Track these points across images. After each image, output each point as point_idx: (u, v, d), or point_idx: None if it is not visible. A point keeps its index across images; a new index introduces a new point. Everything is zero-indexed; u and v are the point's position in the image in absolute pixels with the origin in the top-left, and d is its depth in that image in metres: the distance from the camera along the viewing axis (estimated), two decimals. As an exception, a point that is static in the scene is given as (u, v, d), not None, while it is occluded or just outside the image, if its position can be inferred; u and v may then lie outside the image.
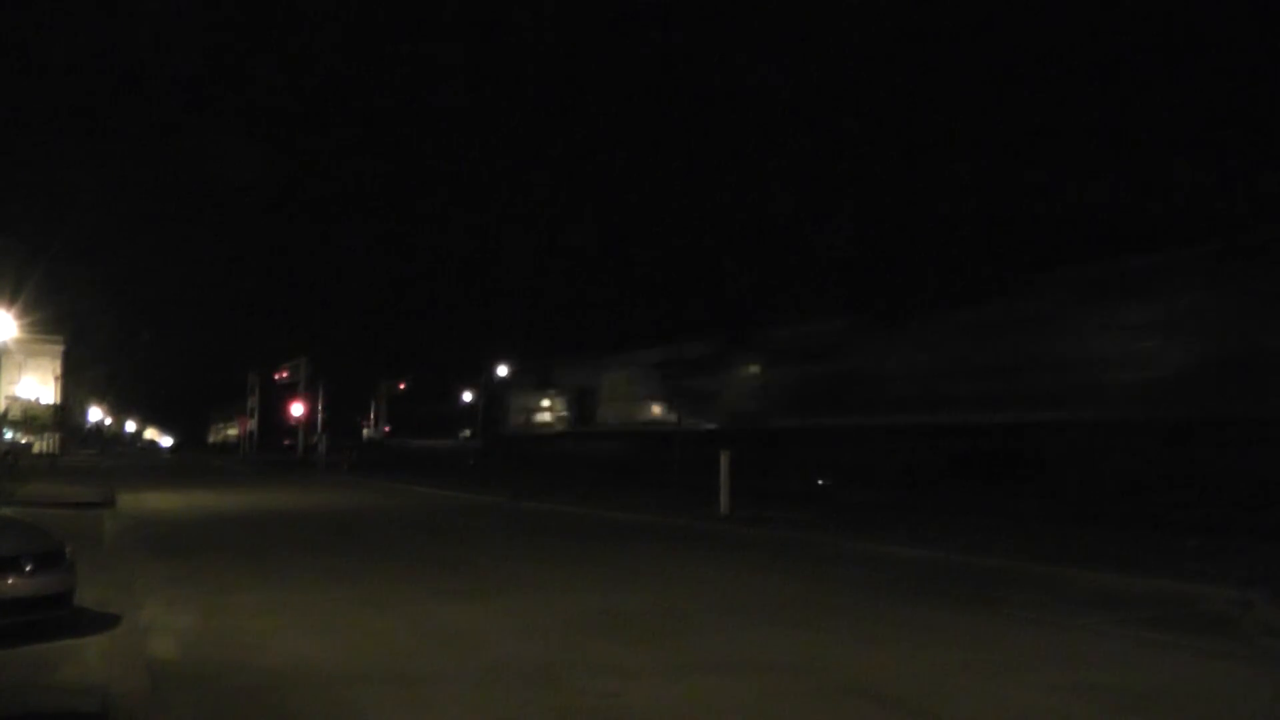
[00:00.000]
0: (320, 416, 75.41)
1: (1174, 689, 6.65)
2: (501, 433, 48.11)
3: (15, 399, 64.45)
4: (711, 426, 29.72)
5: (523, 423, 44.94)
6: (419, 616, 9.13)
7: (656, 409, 32.57)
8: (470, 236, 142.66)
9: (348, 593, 10.43)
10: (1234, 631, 8.27)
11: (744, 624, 8.78)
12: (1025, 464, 20.14)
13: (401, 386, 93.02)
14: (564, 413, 40.98)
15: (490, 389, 67.27)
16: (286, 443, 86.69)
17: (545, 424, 42.69)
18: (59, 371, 66.32)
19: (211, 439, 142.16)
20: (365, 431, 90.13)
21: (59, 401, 58.93)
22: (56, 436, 56.75)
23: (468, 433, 75.57)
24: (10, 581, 7.47)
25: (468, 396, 75.83)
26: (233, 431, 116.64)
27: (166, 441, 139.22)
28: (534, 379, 44.29)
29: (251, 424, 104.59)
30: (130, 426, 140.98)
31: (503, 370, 57.35)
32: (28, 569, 7.59)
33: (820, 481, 24.15)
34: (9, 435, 55.65)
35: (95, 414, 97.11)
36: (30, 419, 59.54)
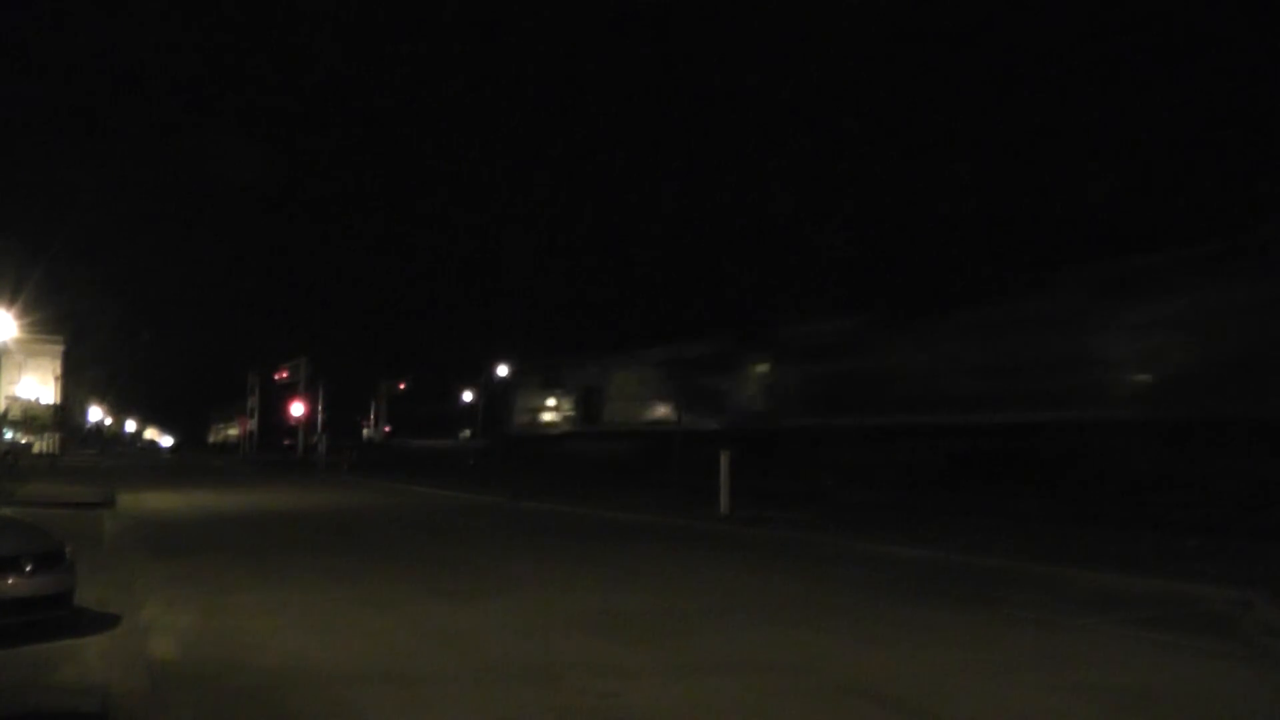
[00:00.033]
0: (320, 416, 75.46)
1: (1174, 689, 6.65)
2: (506, 433, 47.73)
3: (15, 399, 64.48)
4: (715, 426, 29.45)
5: (528, 422, 44.51)
6: (419, 616, 9.13)
7: (666, 409, 32.13)
8: (470, 236, 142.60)
9: (348, 593, 10.43)
10: (1234, 631, 8.26)
11: (744, 624, 8.78)
12: (1047, 465, 19.79)
13: (401, 386, 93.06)
14: (571, 412, 40.51)
15: (491, 389, 67.24)
16: (286, 443, 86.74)
17: (551, 424, 42.23)
18: (59, 371, 66.35)
19: (211, 439, 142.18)
20: (365, 431, 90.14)
21: (59, 401, 58.94)
22: (56, 436, 56.77)
23: (468, 433, 75.60)
24: (10, 581, 7.47)
25: (468, 396, 75.86)
26: (233, 431, 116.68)
27: (166, 441, 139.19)
28: (539, 378, 43.75)
29: (251, 424, 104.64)
30: (130, 426, 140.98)
31: (503, 370, 57.27)
32: (28, 569, 7.59)
33: (820, 482, 24.01)
34: (9, 435, 55.66)
35: (95, 414, 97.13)
36: (30, 419, 59.56)
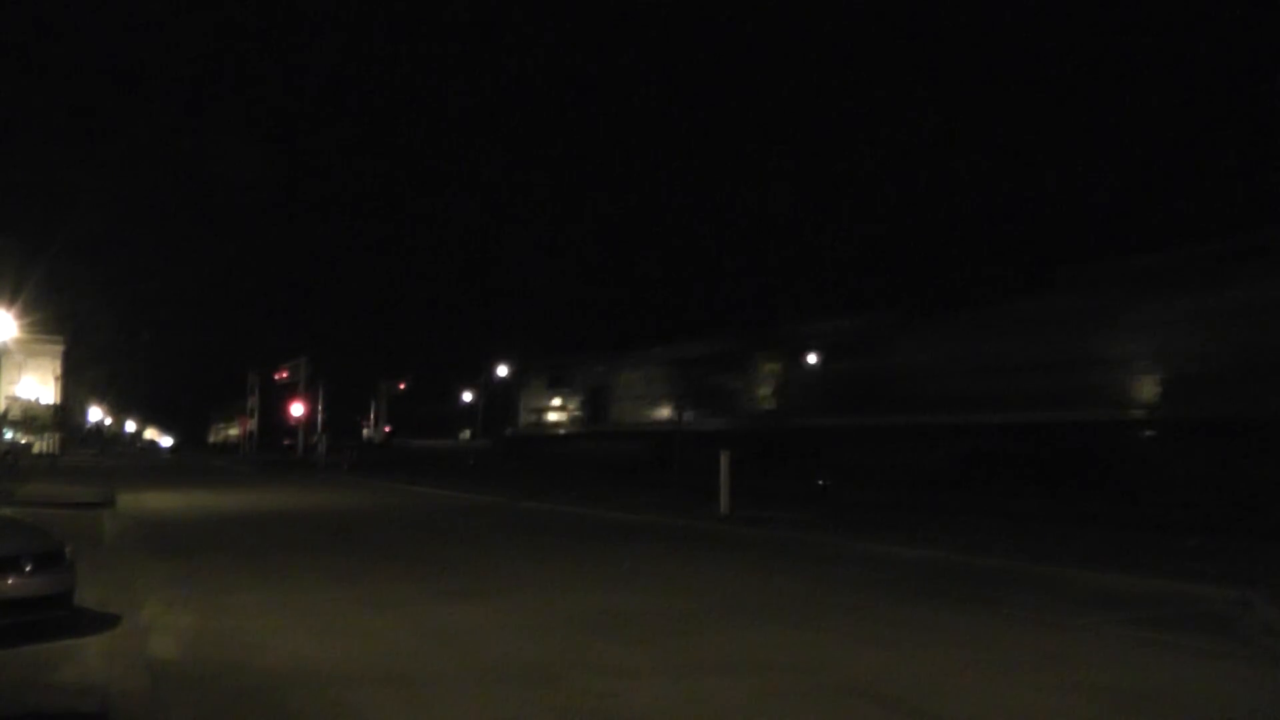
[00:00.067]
0: (320, 416, 75.43)
1: (1174, 689, 6.65)
2: (511, 433, 47.31)
3: (15, 399, 64.45)
4: (725, 426, 28.99)
5: (533, 423, 43.99)
6: (419, 616, 9.13)
7: (675, 408, 31.67)
8: (470, 236, 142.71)
9: (348, 593, 10.43)
10: (1234, 631, 8.26)
11: (744, 624, 8.78)
12: (1072, 465, 19.39)
13: (401, 386, 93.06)
14: (577, 412, 40.06)
15: (491, 389, 67.20)
16: (286, 443, 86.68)
17: (557, 424, 41.75)
18: (59, 371, 66.37)
19: (212, 439, 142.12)
20: (365, 431, 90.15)
21: (59, 401, 58.94)
22: (56, 436, 56.76)
23: (467, 433, 75.63)
24: (10, 581, 7.46)
25: (468, 396, 75.89)
26: (233, 431, 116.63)
27: (166, 441, 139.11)
28: (544, 378, 43.24)
29: (251, 424, 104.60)
30: (130, 426, 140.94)
31: (503, 370, 57.17)
32: (27, 569, 7.59)
33: (820, 482, 23.85)
34: (9, 435, 55.65)
35: (95, 414, 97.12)
36: (30, 419, 59.53)
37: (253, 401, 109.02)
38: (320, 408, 77.20)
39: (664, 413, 32.80)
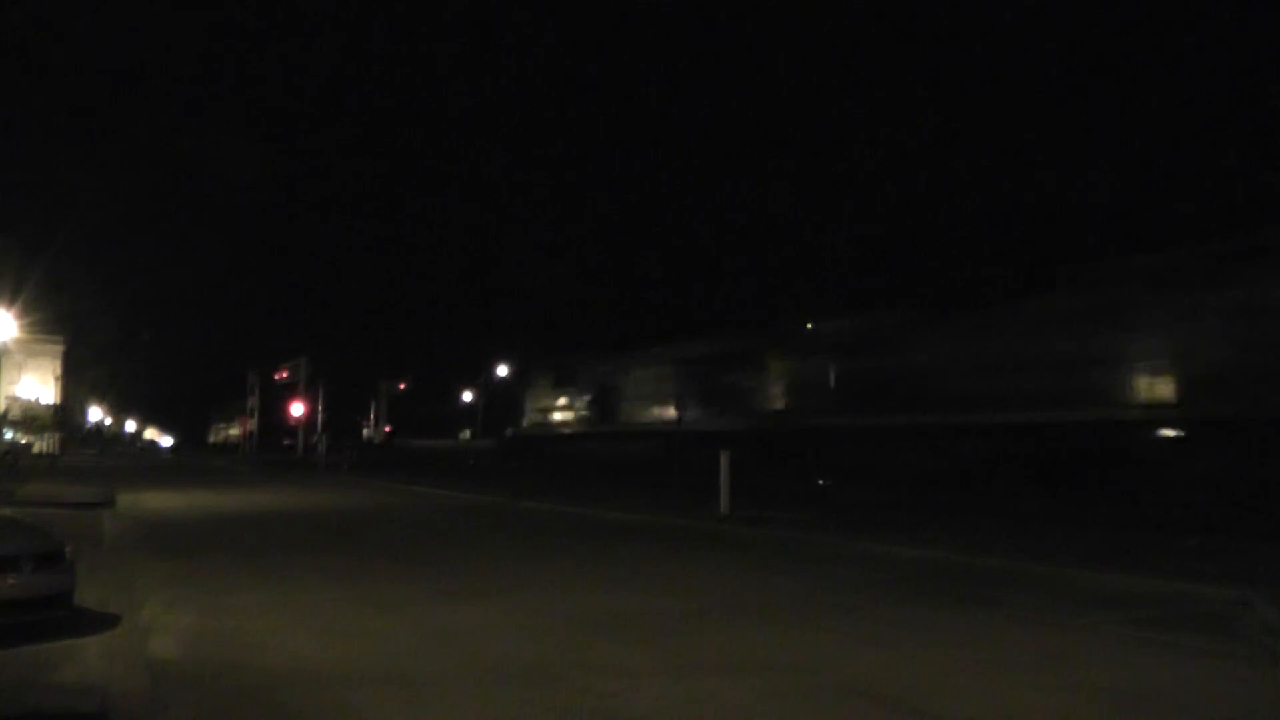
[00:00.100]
0: (320, 416, 75.48)
1: (1174, 689, 6.65)
2: (515, 433, 46.87)
3: (15, 399, 64.43)
4: (737, 426, 28.59)
5: (539, 422, 43.54)
6: (419, 617, 9.13)
7: (685, 408, 31.14)
8: (470, 236, 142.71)
9: (348, 593, 10.43)
10: (1234, 631, 8.26)
11: (744, 624, 8.77)
12: (1099, 464, 19.03)
13: (401, 386, 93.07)
14: (584, 412, 39.63)
15: (491, 389, 67.14)
16: (287, 442, 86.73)
17: (563, 423, 41.30)
18: (59, 371, 66.39)
19: (212, 439, 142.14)
20: (365, 431, 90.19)
21: (59, 401, 58.96)
22: (56, 436, 56.78)
23: (467, 433, 75.63)
24: (10, 582, 7.46)
25: (468, 396, 75.89)
26: (234, 431, 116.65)
27: (166, 441, 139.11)
28: (550, 377, 42.80)
29: (252, 424, 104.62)
30: (130, 426, 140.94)
31: (503, 370, 57.08)
32: (27, 569, 7.59)
33: (820, 482, 23.78)
34: (9, 435, 55.65)
35: (95, 414, 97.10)
36: (30, 419, 59.52)
37: (253, 401, 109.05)
38: (320, 408, 77.25)
39: (673, 412, 32.36)
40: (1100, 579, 11.16)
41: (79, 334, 72.36)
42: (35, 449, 58.33)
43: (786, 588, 11.06)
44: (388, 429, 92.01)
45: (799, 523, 17.71)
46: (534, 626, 8.60)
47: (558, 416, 41.98)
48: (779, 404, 28.63)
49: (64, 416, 61.35)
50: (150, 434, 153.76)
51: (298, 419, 75.38)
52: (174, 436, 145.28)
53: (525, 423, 45.22)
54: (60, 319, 64.02)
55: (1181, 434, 18.09)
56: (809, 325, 29.80)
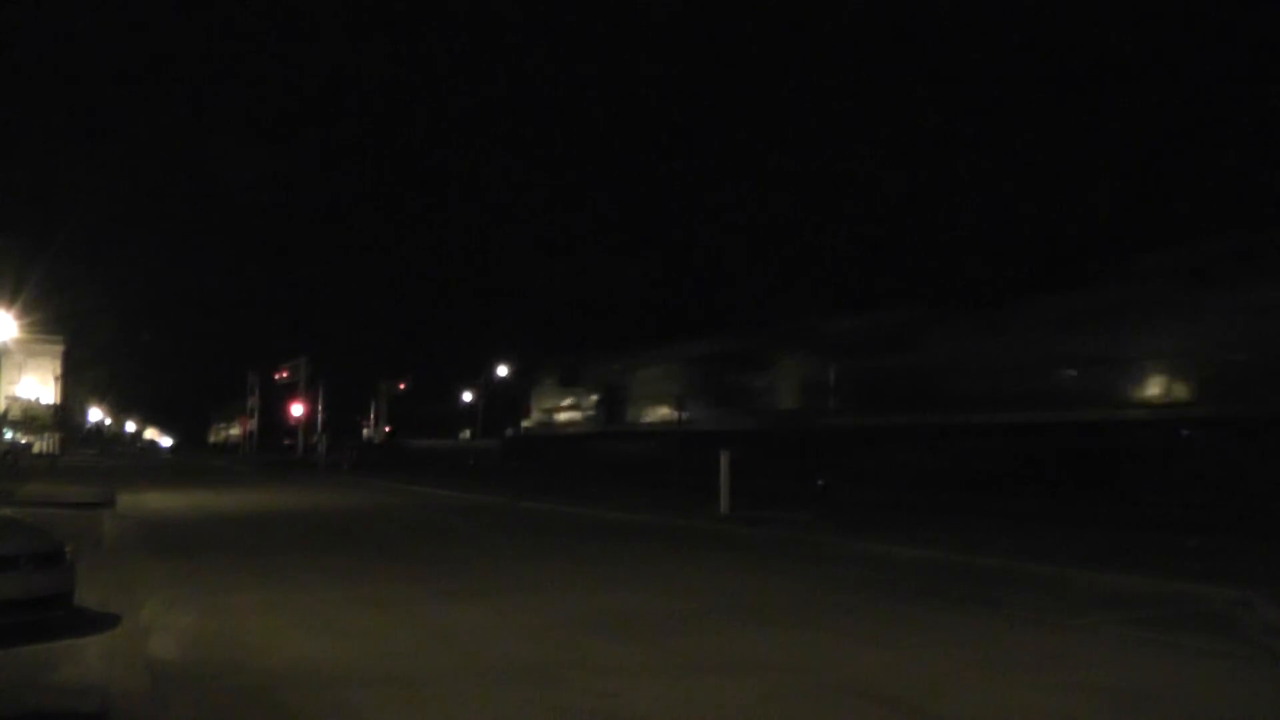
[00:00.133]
0: (320, 416, 75.51)
1: (1174, 689, 6.65)
2: (514, 433, 46.44)
3: (15, 399, 64.48)
4: (749, 425, 28.04)
5: (544, 422, 43.02)
6: (419, 617, 9.13)
7: (697, 407, 30.62)
8: (470, 236, 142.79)
9: (348, 593, 10.43)
10: (1234, 631, 8.26)
11: (744, 624, 8.77)
12: (1131, 466, 18.56)
13: (401, 386, 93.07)
14: (592, 411, 39.11)
15: (492, 388, 67.08)
16: (287, 442, 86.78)
17: (570, 423, 40.77)
18: (59, 371, 66.42)
19: (212, 439, 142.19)
20: (365, 431, 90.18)
21: (59, 401, 58.96)
22: (56, 436, 56.82)
23: (467, 433, 75.62)
24: (10, 582, 7.46)
25: (468, 396, 75.91)
26: (234, 431, 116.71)
27: (166, 442, 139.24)
28: (556, 377, 42.30)
29: (251, 424, 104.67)
30: (130, 426, 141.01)
31: (503, 370, 56.99)
32: (27, 569, 7.59)
33: (820, 482, 23.67)
34: (9, 435, 55.68)
35: (95, 414, 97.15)
36: (30, 419, 59.57)
37: (253, 401, 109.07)
38: (320, 408, 77.29)
39: (685, 412, 31.79)
40: (1100, 579, 11.16)
41: (79, 334, 72.47)
42: (35, 449, 58.40)
43: (786, 588, 11.06)
44: (388, 429, 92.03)
45: (799, 523, 17.71)
46: (534, 626, 8.60)
47: (565, 416, 41.40)
48: (790, 403, 28.22)
49: (64, 416, 61.38)
50: (150, 434, 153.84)
51: (298, 419, 75.44)
52: (174, 436, 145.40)
53: (531, 422, 44.73)
54: (60, 319, 64.09)
55: (1210, 433, 17.61)
56: (820, 323, 29.30)
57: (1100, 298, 20.03)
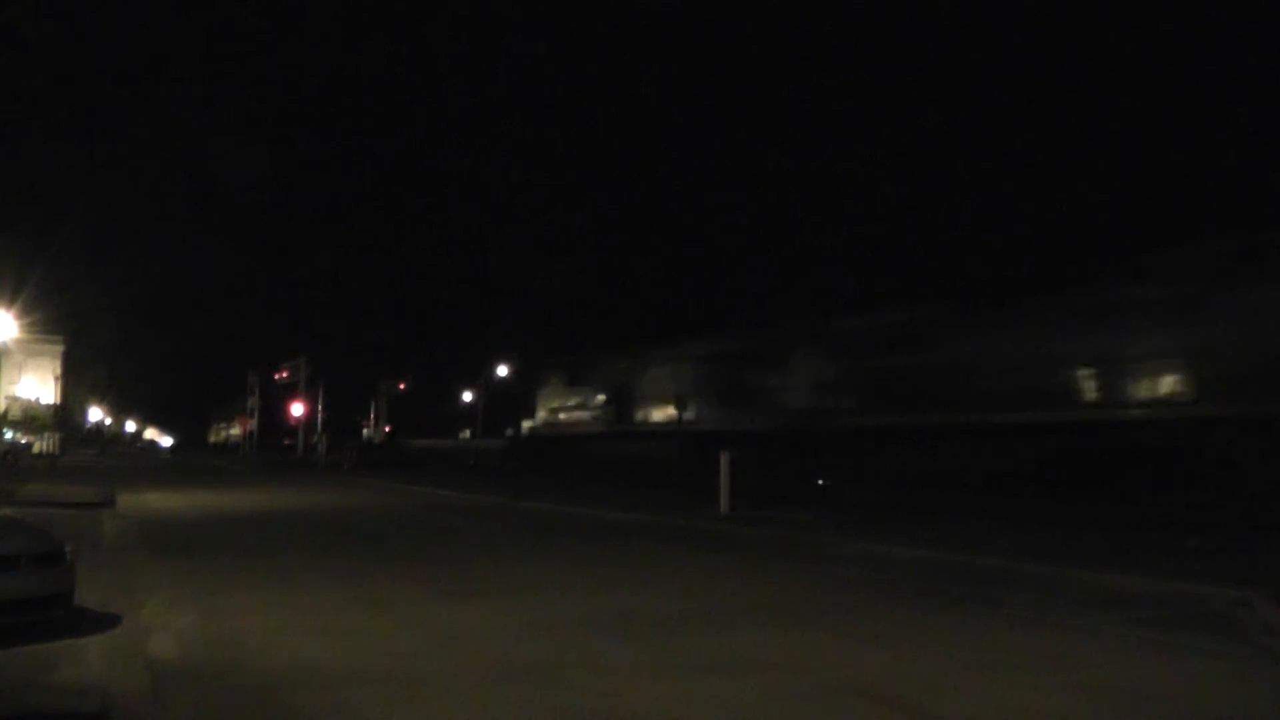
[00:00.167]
0: (320, 416, 75.51)
1: (1174, 689, 6.65)
2: (515, 432, 46.01)
3: (15, 399, 64.49)
4: (762, 425, 27.62)
5: (551, 422, 42.60)
6: (419, 617, 9.13)
7: (707, 406, 30.09)
8: (470, 236, 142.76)
9: (348, 593, 10.43)
10: (1234, 631, 8.25)
11: (744, 624, 8.77)
12: (1165, 465, 18.10)
13: (401, 386, 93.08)
14: (600, 411, 38.70)
15: (492, 388, 67.01)
16: (287, 442, 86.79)
17: (577, 422, 40.32)
18: (59, 371, 66.39)
19: (212, 439, 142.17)
20: (365, 431, 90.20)
21: (59, 401, 58.94)
22: (56, 436, 56.79)
23: (467, 433, 75.58)
24: (10, 582, 7.46)
25: (468, 396, 75.88)
26: (234, 431, 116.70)
27: (166, 441, 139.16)
28: (563, 376, 41.89)
29: (252, 424, 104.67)
30: (130, 426, 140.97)
31: (503, 370, 56.86)
32: (27, 569, 7.59)
33: (820, 481, 23.59)
34: (9, 435, 55.68)
35: (95, 414, 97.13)
36: (30, 419, 59.59)
37: (253, 401, 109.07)
38: (320, 408, 77.30)
39: (695, 411, 31.25)
40: (1100, 579, 11.16)
41: (79, 334, 72.45)
42: (35, 449, 58.40)
43: (787, 587, 11.06)
44: (388, 429, 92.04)
45: (799, 522, 17.71)
46: (535, 626, 8.60)
47: (573, 416, 40.91)
48: (793, 402, 27.78)
49: (64, 416, 61.38)
50: (150, 434, 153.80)
51: (298, 419, 75.44)
52: (174, 436, 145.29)
53: (537, 422, 44.26)
54: (60, 319, 64.08)
55: (1249, 433, 17.12)
56: (845, 320, 28.77)
57: (1101, 298, 19.94)
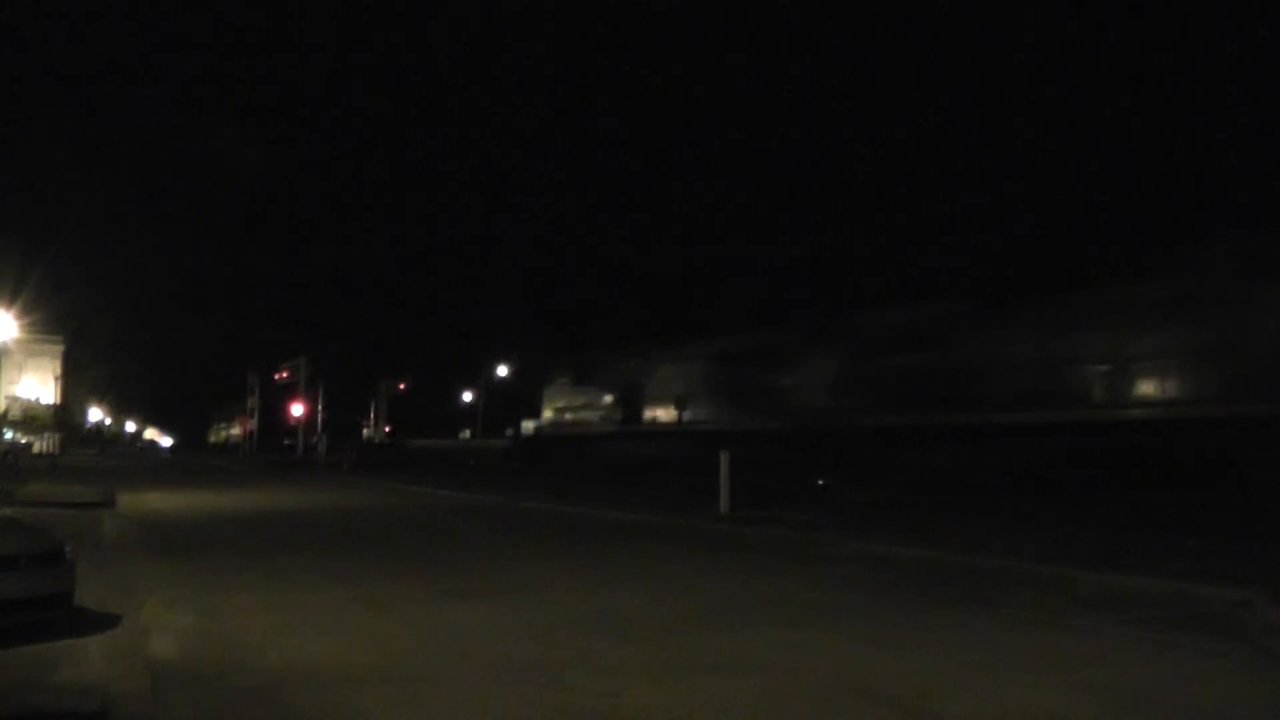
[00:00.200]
0: (320, 416, 75.52)
1: (1174, 689, 6.65)
2: (532, 433, 45.60)
3: (15, 399, 64.52)
4: (776, 425, 27.37)
5: (557, 422, 42.25)
6: (420, 616, 9.13)
7: (719, 406, 29.73)
8: (470, 236, 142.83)
9: (348, 593, 10.43)
10: (1234, 631, 8.26)
11: (744, 624, 8.77)
12: (1190, 466, 17.79)
13: (401, 386, 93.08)
14: (608, 411, 38.26)
15: (492, 388, 67.04)
16: (287, 442, 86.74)
17: (585, 422, 39.92)
18: (59, 371, 66.42)
19: (212, 439, 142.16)
20: (365, 431, 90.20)
21: (59, 401, 58.94)
22: (56, 436, 56.79)
23: (467, 432, 75.63)
24: (9, 582, 7.46)
25: (468, 396, 75.92)
26: (234, 431, 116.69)
27: (166, 441, 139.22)
28: (570, 375, 41.51)
29: (252, 424, 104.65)
30: (130, 426, 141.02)
31: (503, 370, 56.86)
32: (27, 569, 7.59)
33: (820, 481, 23.53)
34: (9, 435, 55.69)
35: (95, 414, 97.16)
36: (30, 419, 59.61)
37: (253, 401, 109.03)
38: (320, 408, 77.30)
39: (707, 411, 30.99)
40: (1100, 579, 11.15)
41: (79, 334, 72.51)
42: (35, 449, 58.44)
43: (786, 587, 11.06)
44: (388, 429, 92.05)
45: (799, 522, 17.70)
46: (534, 626, 8.60)
47: (580, 415, 40.55)
48: (825, 402, 27.12)
49: (64, 416, 61.38)
50: (150, 434, 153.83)
51: (298, 419, 75.43)
52: (174, 436, 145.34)
53: (543, 421, 43.90)
54: (60, 319, 64.14)
55: (1249, 433, 16.91)
56: (862, 316, 28.49)
57: (1102, 296, 19.87)
